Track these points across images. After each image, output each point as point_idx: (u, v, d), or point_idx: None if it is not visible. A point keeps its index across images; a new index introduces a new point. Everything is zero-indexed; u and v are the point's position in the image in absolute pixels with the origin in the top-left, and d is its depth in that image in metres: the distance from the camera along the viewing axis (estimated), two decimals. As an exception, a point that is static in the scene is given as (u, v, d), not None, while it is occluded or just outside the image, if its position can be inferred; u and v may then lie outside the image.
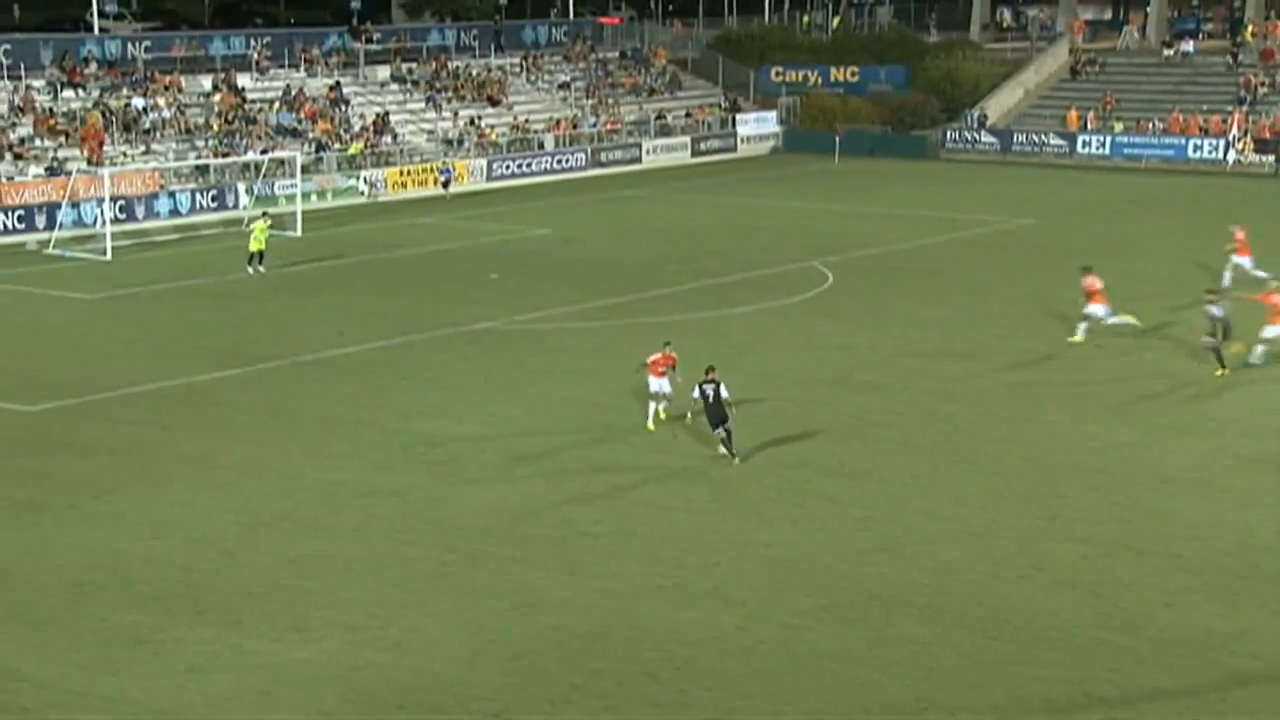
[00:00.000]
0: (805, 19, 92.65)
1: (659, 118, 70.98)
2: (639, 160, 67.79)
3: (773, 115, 74.47)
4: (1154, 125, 67.98)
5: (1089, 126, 69.21)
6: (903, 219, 52.64)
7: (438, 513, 23.43)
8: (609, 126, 68.58)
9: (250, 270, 42.55)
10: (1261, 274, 36.28)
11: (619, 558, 21.67)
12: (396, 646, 18.83)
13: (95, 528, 22.90)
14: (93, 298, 40.03)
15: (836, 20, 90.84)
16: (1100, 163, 67.09)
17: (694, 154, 70.17)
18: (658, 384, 27.39)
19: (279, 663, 18.41)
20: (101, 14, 70.29)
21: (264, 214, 44.44)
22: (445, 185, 57.79)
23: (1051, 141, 69.18)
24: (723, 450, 25.62)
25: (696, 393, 25.53)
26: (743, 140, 72.64)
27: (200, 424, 28.19)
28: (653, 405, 27.55)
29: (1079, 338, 33.47)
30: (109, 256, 45.00)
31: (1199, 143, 66.38)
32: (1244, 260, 37.57)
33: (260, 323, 36.82)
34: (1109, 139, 68.14)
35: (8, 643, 18.98)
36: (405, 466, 25.76)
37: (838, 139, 69.67)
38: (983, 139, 70.41)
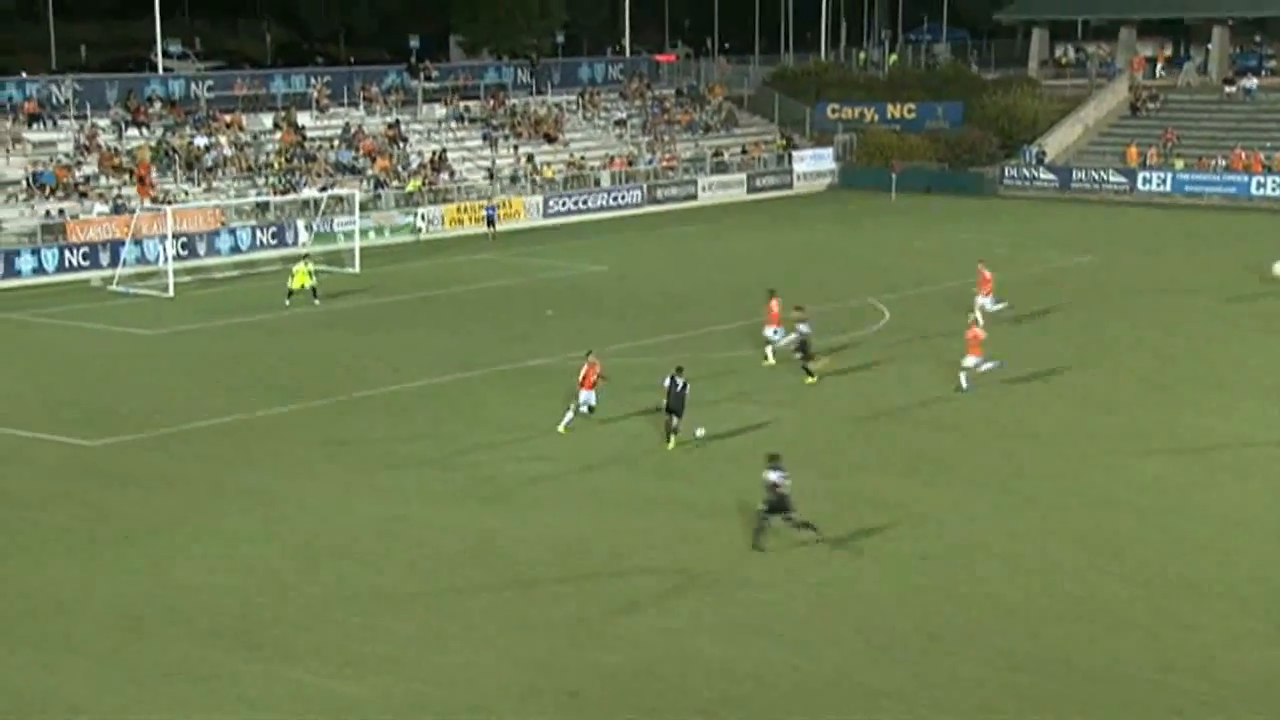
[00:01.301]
0: (862, 55, 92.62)
1: (715, 154, 71.08)
2: (695, 197, 67.90)
3: (829, 152, 74.42)
4: (1216, 163, 67.37)
5: (1149, 163, 68.65)
6: (960, 256, 52.27)
7: (491, 547, 23.44)
8: (665, 163, 68.76)
9: (287, 303, 43.17)
10: (1000, 306, 38.81)
11: (673, 594, 21.58)
12: (451, 682, 18.81)
13: (153, 561, 23.07)
14: (155, 333, 40.48)
15: (893, 57, 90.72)
16: (1161, 200, 66.48)
17: (750, 190, 70.20)
18: (586, 396, 29.49)
19: (334, 697, 18.43)
20: (165, 54, 71.28)
21: (305, 258, 45.02)
22: (490, 223, 58.04)
23: (1111, 178, 68.63)
24: (673, 434, 28.36)
25: (667, 382, 28.42)
26: (799, 177, 72.61)
27: (257, 458, 28.39)
28: (569, 414, 29.44)
29: (770, 361, 34.99)
30: (171, 293, 45.53)
31: (1262, 180, 65.73)
32: (985, 299, 38.91)
33: (318, 358, 37.09)
34: (1170, 176, 67.53)
35: (66, 675, 19.13)
36: (459, 501, 25.82)
37: (894, 175, 69.51)
38: (1041, 176, 69.99)
